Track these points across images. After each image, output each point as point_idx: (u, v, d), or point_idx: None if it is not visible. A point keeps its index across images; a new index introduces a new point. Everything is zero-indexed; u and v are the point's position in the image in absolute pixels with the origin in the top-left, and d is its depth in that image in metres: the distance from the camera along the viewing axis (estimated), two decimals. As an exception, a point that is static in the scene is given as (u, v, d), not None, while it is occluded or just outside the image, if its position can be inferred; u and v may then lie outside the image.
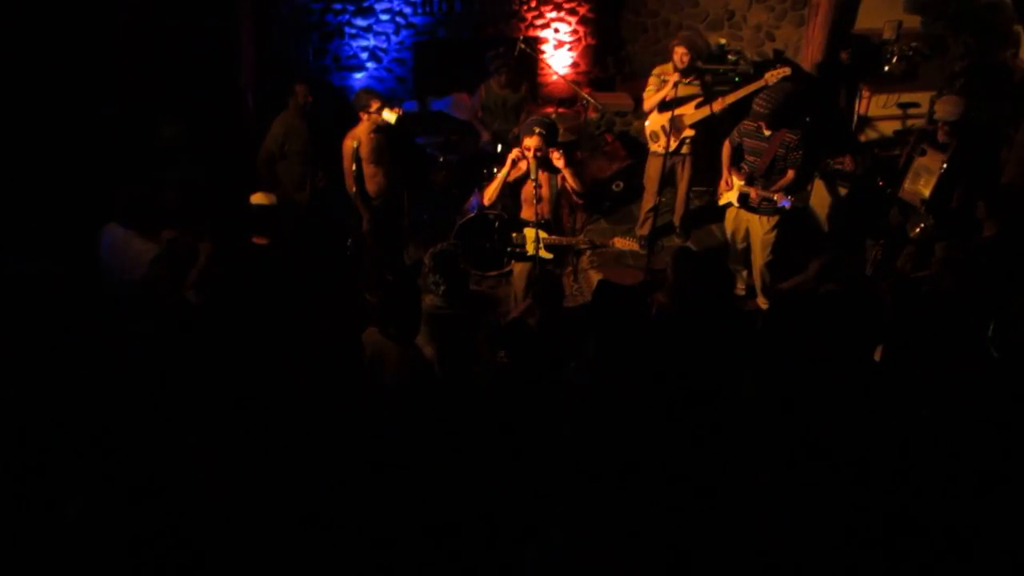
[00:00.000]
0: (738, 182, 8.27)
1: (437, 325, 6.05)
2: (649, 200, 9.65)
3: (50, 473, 5.31)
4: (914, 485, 4.79)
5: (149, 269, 6.25)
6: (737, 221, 8.53)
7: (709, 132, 9.18)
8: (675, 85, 8.63)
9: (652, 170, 9.48)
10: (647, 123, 9.32)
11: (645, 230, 9.78)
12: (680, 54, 8.81)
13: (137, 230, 6.33)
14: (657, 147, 9.28)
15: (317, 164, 8.92)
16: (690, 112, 9.00)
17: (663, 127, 9.11)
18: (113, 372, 6.02)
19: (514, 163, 7.49)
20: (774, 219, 8.23)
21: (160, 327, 5.98)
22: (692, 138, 9.19)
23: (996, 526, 4.63)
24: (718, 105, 8.86)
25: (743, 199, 8.26)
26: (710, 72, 9.23)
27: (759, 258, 8.44)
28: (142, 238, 6.33)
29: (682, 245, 9.51)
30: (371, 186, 8.42)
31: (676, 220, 10.01)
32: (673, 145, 9.17)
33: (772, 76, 8.53)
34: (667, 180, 9.42)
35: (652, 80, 9.15)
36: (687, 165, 9.38)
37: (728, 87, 9.17)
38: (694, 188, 9.83)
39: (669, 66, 9.01)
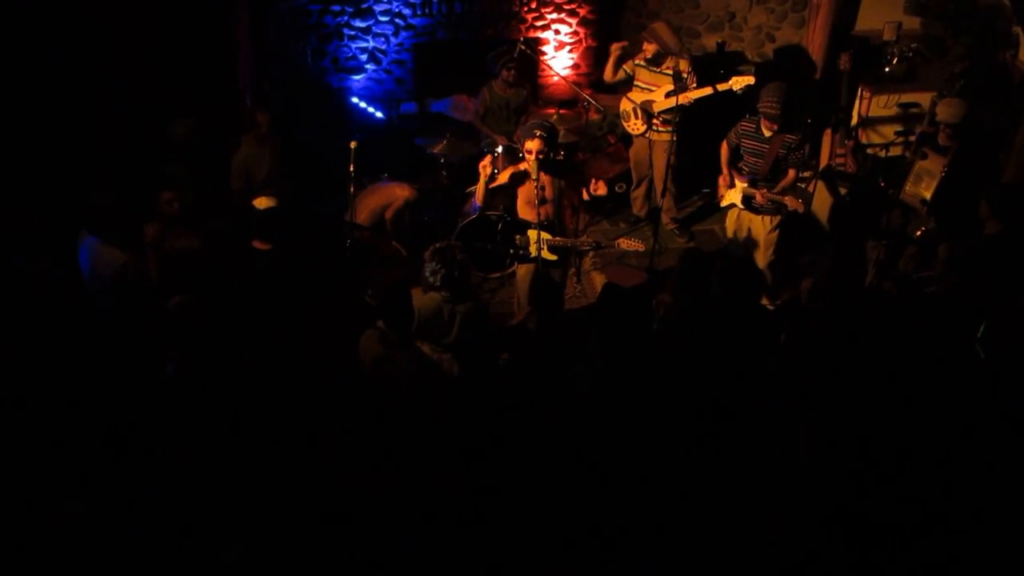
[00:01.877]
0: (741, 184, 8.28)
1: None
2: (635, 180, 10.18)
3: (52, 469, 5.31)
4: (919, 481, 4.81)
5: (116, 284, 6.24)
6: (739, 222, 8.54)
7: (689, 127, 9.29)
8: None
9: (631, 151, 9.98)
10: (622, 104, 9.64)
11: (637, 208, 10.29)
12: (645, 46, 9.29)
13: (103, 239, 6.31)
14: (629, 127, 9.68)
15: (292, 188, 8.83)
16: (660, 100, 9.28)
17: (633, 109, 9.49)
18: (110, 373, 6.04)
19: (493, 175, 7.55)
20: (777, 218, 8.25)
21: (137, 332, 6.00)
22: (666, 125, 9.31)
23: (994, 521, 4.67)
24: (683, 98, 8.97)
25: (747, 201, 8.26)
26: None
27: (762, 258, 8.46)
28: (108, 246, 6.31)
29: (690, 247, 9.54)
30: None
31: (667, 221, 10.01)
32: (641, 128, 9.53)
33: (737, 82, 8.75)
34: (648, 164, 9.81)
35: (628, 64, 9.55)
36: (662, 148, 9.42)
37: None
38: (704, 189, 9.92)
39: (640, 56, 9.41)
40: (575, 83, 10.62)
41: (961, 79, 9.40)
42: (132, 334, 6.16)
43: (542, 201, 7.46)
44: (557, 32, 11.58)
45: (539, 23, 11.49)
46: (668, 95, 9.09)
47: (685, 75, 9.09)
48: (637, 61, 9.42)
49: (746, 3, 11.23)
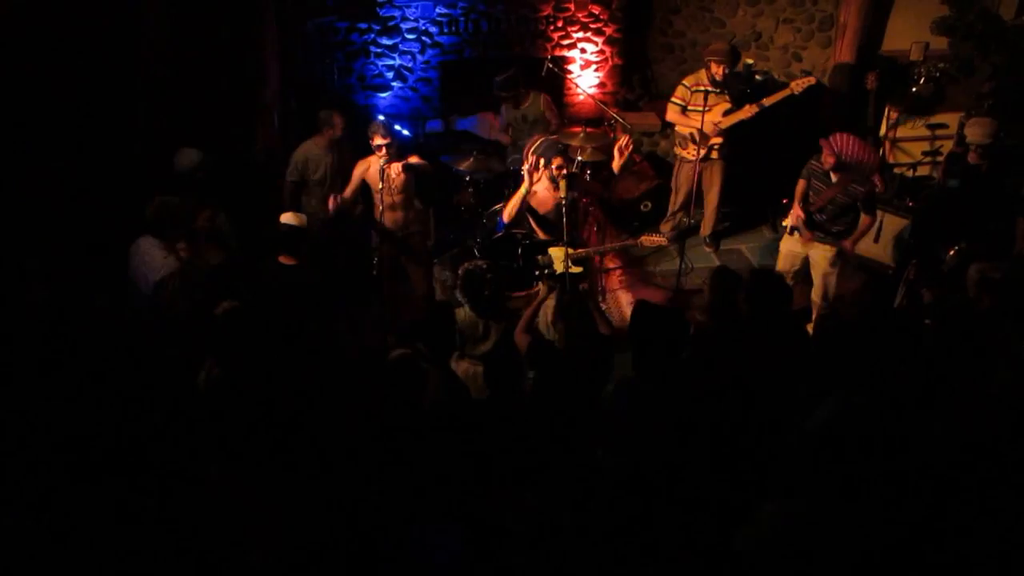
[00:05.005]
0: (797, 212, 8.09)
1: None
2: (676, 203, 10.01)
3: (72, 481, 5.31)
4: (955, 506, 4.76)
5: (157, 290, 6.25)
6: (792, 252, 8.37)
7: (740, 144, 9.38)
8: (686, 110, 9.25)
9: (682, 175, 9.74)
10: (677, 128, 9.49)
11: (667, 227, 10.12)
12: (715, 68, 9.16)
13: (161, 239, 6.36)
14: (685, 153, 9.50)
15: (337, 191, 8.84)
16: (719, 119, 9.20)
17: (691, 134, 9.36)
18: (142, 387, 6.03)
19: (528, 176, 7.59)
20: (832, 250, 8.07)
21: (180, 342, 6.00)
22: (721, 145, 9.37)
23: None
24: (746, 113, 9.03)
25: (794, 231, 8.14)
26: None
27: (818, 286, 8.30)
28: (164, 249, 6.36)
29: (720, 265, 9.50)
30: (387, 219, 8.37)
31: (704, 231, 10.09)
32: (702, 152, 9.38)
33: (798, 85, 8.71)
34: (696, 188, 9.60)
35: (680, 90, 9.46)
36: (716, 171, 9.41)
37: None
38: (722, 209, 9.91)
39: (702, 74, 9.32)
40: (601, 102, 10.63)
41: (989, 99, 9.38)
42: (175, 336, 6.19)
43: (565, 217, 7.45)
44: (583, 51, 11.62)
45: (565, 42, 11.53)
46: (727, 113, 9.15)
47: (736, 92, 9.23)
48: (696, 87, 9.29)
49: (772, 23, 11.24)
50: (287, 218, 6.98)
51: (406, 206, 8.48)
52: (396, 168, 8.12)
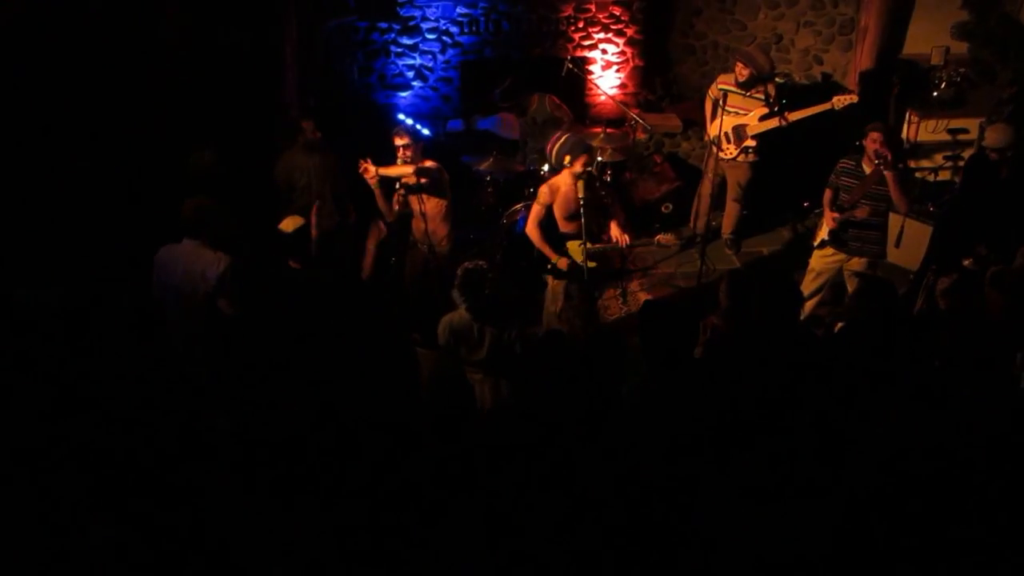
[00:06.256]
0: (831, 215, 7.96)
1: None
2: (697, 202, 9.96)
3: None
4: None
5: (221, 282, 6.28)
6: (825, 261, 8.21)
7: (770, 151, 9.41)
8: (717, 107, 9.12)
9: (710, 172, 9.53)
10: (711, 127, 9.49)
11: (698, 225, 9.99)
12: (739, 69, 9.14)
13: (205, 240, 6.35)
14: (721, 153, 9.38)
15: (335, 197, 8.76)
16: (754, 123, 9.22)
17: (726, 134, 9.35)
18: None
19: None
20: (864, 261, 7.97)
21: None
22: (753, 148, 9.35)
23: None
24: (785, 120, 9.03)
25: (833, 234, 7.96)
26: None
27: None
28: (210, 248, 6.36)
29: (735, 268, 9.50)
30: (415, 226, 8.23)
31: (725, 232, 10.08)
32: (734, 152, 9.40)
33: (839, 101, 8.69)
34: (720, 189, 9.58)
35: (712, 87, 9.49)
36: (741, 173, 9.42)
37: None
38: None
39: (731, 76, 9.30)
40: (622, 102, 10.63)
41: (1010, 104, 9.36)
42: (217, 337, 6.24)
43: (585, 213, 7.46)
44: (604, 52, 11.66)
45: (586, 43, 11.57)
46: (763, 119, 9.15)
47: (772, 99, 9.17)
48: (727, 87, 9.21)
49: (793, 25, 11.25)
50: (286, 224, 6.94)
51: (433, 218, 8.11)
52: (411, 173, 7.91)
